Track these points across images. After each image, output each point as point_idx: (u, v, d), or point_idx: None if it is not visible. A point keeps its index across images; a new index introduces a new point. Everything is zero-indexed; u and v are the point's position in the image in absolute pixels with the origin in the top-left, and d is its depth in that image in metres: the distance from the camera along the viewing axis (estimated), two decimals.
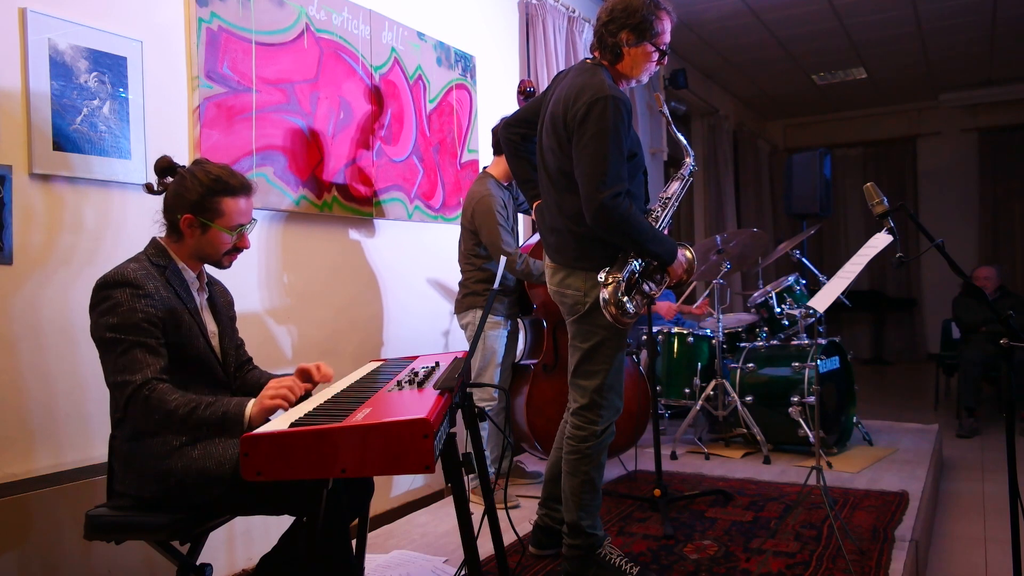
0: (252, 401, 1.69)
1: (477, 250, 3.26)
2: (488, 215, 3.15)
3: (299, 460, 1.43)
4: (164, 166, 1.89)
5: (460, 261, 3.37)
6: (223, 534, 2.61)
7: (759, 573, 2.43)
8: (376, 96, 3.33)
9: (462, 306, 3.33)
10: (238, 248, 1.93)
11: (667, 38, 2.31)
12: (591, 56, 2.36)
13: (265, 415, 1.67)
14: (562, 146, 2.26)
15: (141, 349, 1.70)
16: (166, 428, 1.71)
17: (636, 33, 2.25)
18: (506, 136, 2.61)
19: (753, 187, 8.67)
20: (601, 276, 2.22)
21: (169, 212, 1.87)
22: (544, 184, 2.40)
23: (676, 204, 2.45)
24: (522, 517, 2.99)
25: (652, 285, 2.31)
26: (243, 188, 1.89)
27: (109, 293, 1.72)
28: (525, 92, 3.39)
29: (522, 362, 3.58)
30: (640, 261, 2.27)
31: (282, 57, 2.86)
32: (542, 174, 2.41)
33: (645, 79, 2.37)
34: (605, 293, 2.21)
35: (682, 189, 2.46)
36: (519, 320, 3.56)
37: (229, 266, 1.96)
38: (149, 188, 1.91)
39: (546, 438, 3.39)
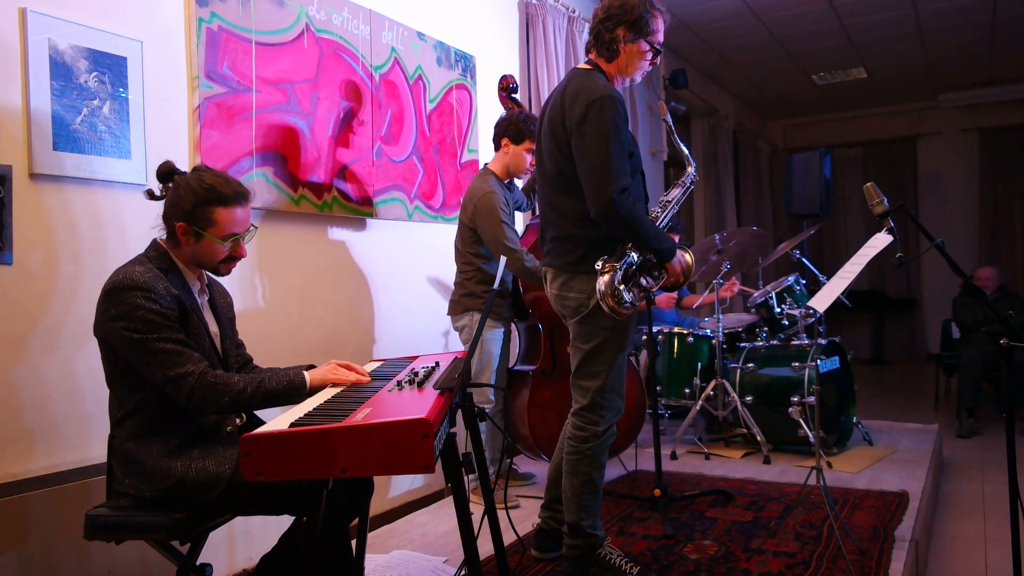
0: (306, 371, 1.87)
1: (477, 248, 3.20)
2: (491, 212, 3.08)
3: (299, 460, 1.43)
4: (165, 171, 1.89)
5: (457, 260, 3.32)
6: (223, 534, 2.60)
7: (759, 573, 2.43)
8: (376, 96, 3.33)
9: (458, 308, 3.25)
10: (234, 256, 1.92)
11: (661, 37, 2.36)
12: (586, 60, 2.41)
13: (321, 387, 1.87)
14: (560, 148, 2.28)
15: (176, 344, 1.74)
16: (232, 408, 1.76)
17: (633, 30, 2.29)
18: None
19: (753, 187, 8.67)
20: (598, 265, 2.22)
21: (166, 219, 1.88)
22: (543, 191, 2.41)
23: (676, 208, 2.46)
24: (522, 517, 2.98)
25: (649, 280, 2.31)
26: (237, 197, 1.87)
27: (121, 297, 1.73)
28: (507, 88, 3.36)
29: (517, 367, 3.53)
30: (638, 255, 2.27)
31: (282, 57, 2.86)
32: (541, 181, 2.42)
33: (639, 78, 2.42)
34: (601, 283, 2.21)
35: (683, 195, 2.50)
36: (513, 324, 3.53)
37: (227, 273, 1.95)
38: (151, 194, 1.91)
39: (549, 443, 3.36)
